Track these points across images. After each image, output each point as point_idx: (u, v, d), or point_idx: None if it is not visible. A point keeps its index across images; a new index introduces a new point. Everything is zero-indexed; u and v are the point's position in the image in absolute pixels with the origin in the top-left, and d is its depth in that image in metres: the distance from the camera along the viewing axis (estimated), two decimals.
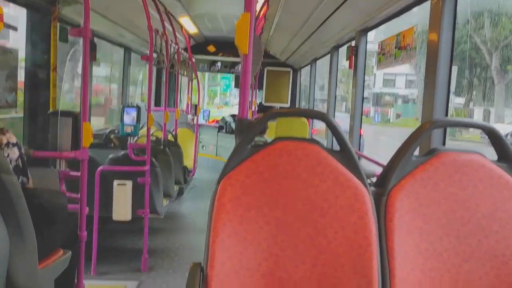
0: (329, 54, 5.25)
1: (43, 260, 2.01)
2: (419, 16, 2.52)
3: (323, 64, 6.51)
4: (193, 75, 6.87)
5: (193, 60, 6.63)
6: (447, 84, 2.35)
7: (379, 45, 3.40)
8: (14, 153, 2.08)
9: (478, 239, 1.41)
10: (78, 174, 2.51)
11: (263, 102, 8.48)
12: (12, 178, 1.71)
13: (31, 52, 3.59)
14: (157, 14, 4.26)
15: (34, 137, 3.55)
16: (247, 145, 1.45)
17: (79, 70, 4.27)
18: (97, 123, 6.48)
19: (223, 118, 8.57)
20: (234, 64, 8.23)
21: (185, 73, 6.44)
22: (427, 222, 1.41)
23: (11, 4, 3.29)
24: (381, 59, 3.33)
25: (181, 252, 3.98)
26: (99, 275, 3.36)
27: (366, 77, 4.30)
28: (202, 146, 7.96)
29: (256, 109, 8.08)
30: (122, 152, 3.63)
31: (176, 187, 4.96)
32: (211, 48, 8.17)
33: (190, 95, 7.20)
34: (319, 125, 8.32)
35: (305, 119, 4.78)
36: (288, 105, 8.38)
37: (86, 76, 2.46)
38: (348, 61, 4.06)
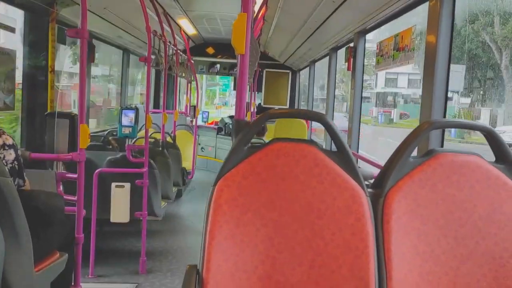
0: (328, 56, 5.25)
1: (39, 263, 1.99)
2: (424, 14, 2.50)
3: (323, 65, 6.52)
4: (192, 77, 6.86)
5: (192, 61, 6.63)
6: (445, 85, 2.35)
7: (377, 46, 3.39)
8: (10, 155, 2.07)
9: (475, 241, 1.40)
10: (75, 176, 2.50)
11: (262, 104, 8.48)
12: (8, 180, 1.70)
13: (29, 53, 3.59)
14: (155, 16, 4.26)
15: (32, 138, 3.54)
16: (244, 146, 1.44)
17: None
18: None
19: (222, 119, 8.57)
20: (233, 66, 8.23)
21: (184, 74, 6.43)
22: (424, 223, 1.40)
23: (8, 6, 3.29)
24: (379, 61, 3.32)
25: (179, 254, 3.97)
26: (97, 277, 3.34)
27: (367, 77, 4.31)
28: (201, 148, 7.95)
29: (255, 110, 8.09)
30: (120, 154, 3.62)
31: (174, 189, 4.95)
32: (210, 50, 8.18)
33: (189, 96, 7.20)
34: (319, 125, 8.31)
35: (303, 120, 4.78)
36: (287, 106, 8.38)
37: (83, 78, 2.44)
38: (346, 63, 4.06)
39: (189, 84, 7.02)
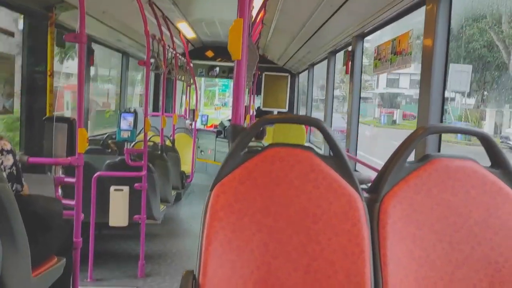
0: (326, 59, 5.27)
1: (37, 267, 2.00)
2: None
3: (324, 65, 6.55)
4: (191, 80, 6.88)
5: (191, 65, 6.64)
6: (442, 88, 2.36)
7: (375, 50, 3.41)
8: (9, 160, 2.07)
9: (471, 246, 1.40)
10: (73, 180, 2.50)
11: (261, 107, 8.49)
12: (5, 186, 1.70)
13: (28, 57, 3.59)
14: (154, 19, 4.27)
15: (30, 142, 3.54)
16: (241, 151, 1.44)
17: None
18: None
19: (221, 122, 8.57)
20: (232, 69, 8.22)
21: (183, 78, 6.44)
22: (420, 228, 1.40)
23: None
24: (377, 64, 3.33)
25: (178, 258, 3.97)
26: (96, 281, 3.34)
27: (369, 77, 4.32)
28: (201, 151, 7.96)
29: (254, 113, 8.09)
30: (119, 158, 3.63)
31: (173, 192, 4.95)
32: (209, 54, 8.19)
33: (188, 100, 7.21)
34: None
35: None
36: (286, 109, 8.39)
37: (82, 81, 2.45)
38: (344, 66, 4.07)
39: (188, 88, 7.04)
